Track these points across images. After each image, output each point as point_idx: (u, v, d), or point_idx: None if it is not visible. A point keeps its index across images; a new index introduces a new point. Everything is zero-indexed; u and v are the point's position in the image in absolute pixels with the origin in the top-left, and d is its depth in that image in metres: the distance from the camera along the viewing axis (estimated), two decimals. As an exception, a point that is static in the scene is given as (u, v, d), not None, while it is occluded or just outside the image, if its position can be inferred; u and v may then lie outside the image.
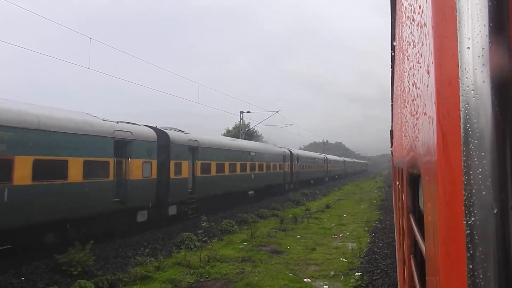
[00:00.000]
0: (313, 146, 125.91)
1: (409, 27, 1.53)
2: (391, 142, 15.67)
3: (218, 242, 16.31)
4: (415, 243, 2.36)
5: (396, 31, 3.31)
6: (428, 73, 0.93)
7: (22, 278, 10.64)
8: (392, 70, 6.19)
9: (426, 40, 0.95)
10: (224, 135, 51.10)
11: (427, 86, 0.96)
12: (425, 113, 1.04)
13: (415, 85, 1.35)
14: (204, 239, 14.48)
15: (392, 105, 8.82)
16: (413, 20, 1.32)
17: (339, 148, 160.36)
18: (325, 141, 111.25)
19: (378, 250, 14.87)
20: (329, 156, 68.85)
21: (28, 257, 11.98)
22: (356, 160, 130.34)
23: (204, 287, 10.76)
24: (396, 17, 3.30)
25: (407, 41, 1.72)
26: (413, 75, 1.46)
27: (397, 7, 2.92)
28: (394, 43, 4.06)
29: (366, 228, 20.34)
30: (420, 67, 1.12)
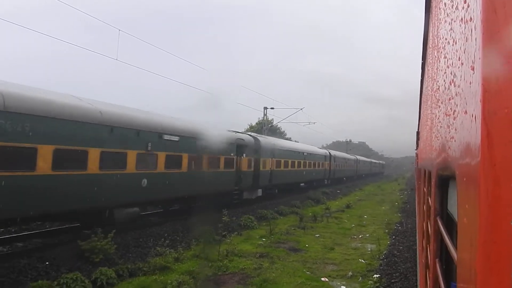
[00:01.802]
0: (335, 145, 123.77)
1: (449, 24, 1.49)
2: (417, 144, 15.40)
3: (237, 236, 16.39)
4: (441, 247, 2.31)
5: (430, 29, 3.23)
6: (473, 69, 0.89)
7: (47, 263, 10.92)
8: (422, 71, 6.07)
9: (471, 35, 0.92)
10: (247, 130, 51.17)
11: (471, 83, 0.92)
12: (465, 112, 1.00)
13: (454, 83, 1.31)
14: (224, 233, 14.56)
15: (420, 107, 8.65)
16: (455, 15, 1.28)
17: (362, 148, 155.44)
18: (348, 140, 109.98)
19: (398, 253, 14.67)
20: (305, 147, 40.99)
21: (53, 242, 12.32)
22: (360, 158, 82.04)
23: (221, 280, 10.84)
24: (430, 15, 3.22)
25: (445, 38, 1.67)
26: (451, 73, 1.41)
27: (433, 4, 2.85)
28: (427, 42, 3.97)
29: (386, 230, 20.09)
30: (462, 64, 1.09)
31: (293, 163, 33.94)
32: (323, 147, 62.79)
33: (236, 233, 16.93)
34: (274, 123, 52.03)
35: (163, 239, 13.83)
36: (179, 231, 16.25)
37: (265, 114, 43.68)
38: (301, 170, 36.99)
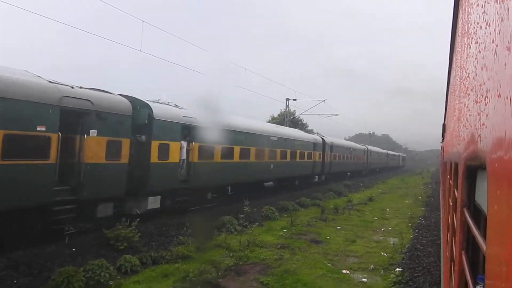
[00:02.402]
0: (358, 137, 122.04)
1: (482, 7, 1.43)
2: (443, 137, 15.10)
3: (258, 227, 16.44)
4: (468, 239, 2.26)
5: (460, 16, 3.14)
6: (508, 50, 0.85)
7: (73, 250, 11.21)
8: (450, 61, 5.92)
9: (507, 14, 0.88)
10: (269, 122, 51.09)
11: (506, 64, 0.89)
12: (499, 95, 0.97)
13: (486, 68, 1.27)
14: (245, 223, 14.63)
15: (446, 98, 8.46)
16: (489, -3, 1.23)
17: (385, 141, 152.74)
18: (371, 132, 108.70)
19: (421, 247, 14.47)
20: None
21: (79, 230, 12.63)
22: (372, 148, 67.87)
23: (242, 270, 10.91)
24: (460, 1, 3.13)
25: (477, 23, 1.62)
26: (483, 57, 1.36)
27: (463, -10, 2.76)
28: (455, 31, 3.87)
29: (409, 224, 19.83)
30: (496, 46, 1.04)
31: (244, 151, 22.09)
32: (345, 140, 61.95)
33: (257, 223, 16.99)
34: (296, 114, 51.77)
35: (185, 228, 14.00)
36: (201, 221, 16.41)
37: (287, 106, 43.51)
38: (266, 163, 24.62)
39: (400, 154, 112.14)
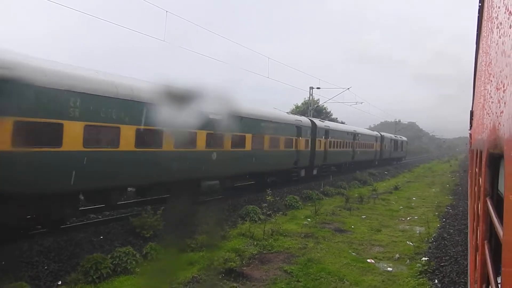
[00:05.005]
0: (384, 126, 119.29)
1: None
2: (470, 124, 14.73)
3: (282, 216, 16.49)
4: (490, 228, 2.22)
5: (486, 0, 3.05)
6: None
7: (101, 237, 11.52)
8: (476, 46, 5.75)
9: None
10: (293, 111, 50.83)
11: None
12: (515, 82, 0.94)
13: (504, 54, 1.23)
14: (269, 212, 14.69)
15: (474, 84, 8.24)
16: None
17: (412, 128, 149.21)
18: (397, 120, 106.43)
19: (448, 236, 14.23)
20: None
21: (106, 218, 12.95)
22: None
23: (267, 258, 11.00)
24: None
25: (498, 7, 1.57)
26: (502, 43, 1.33)
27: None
28: (482, 15, 3.75)
29: (436, 213, 19.51)
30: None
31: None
32: (370, 128, 61.28)
33: (281, 213, 17.04)
34: (320, 103, 51.28)
35: (209, 217, 14.15)
36: (225, 210, 16.56)
37: (311, 94, 43.18)
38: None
39: (393, 136, 62.75)
